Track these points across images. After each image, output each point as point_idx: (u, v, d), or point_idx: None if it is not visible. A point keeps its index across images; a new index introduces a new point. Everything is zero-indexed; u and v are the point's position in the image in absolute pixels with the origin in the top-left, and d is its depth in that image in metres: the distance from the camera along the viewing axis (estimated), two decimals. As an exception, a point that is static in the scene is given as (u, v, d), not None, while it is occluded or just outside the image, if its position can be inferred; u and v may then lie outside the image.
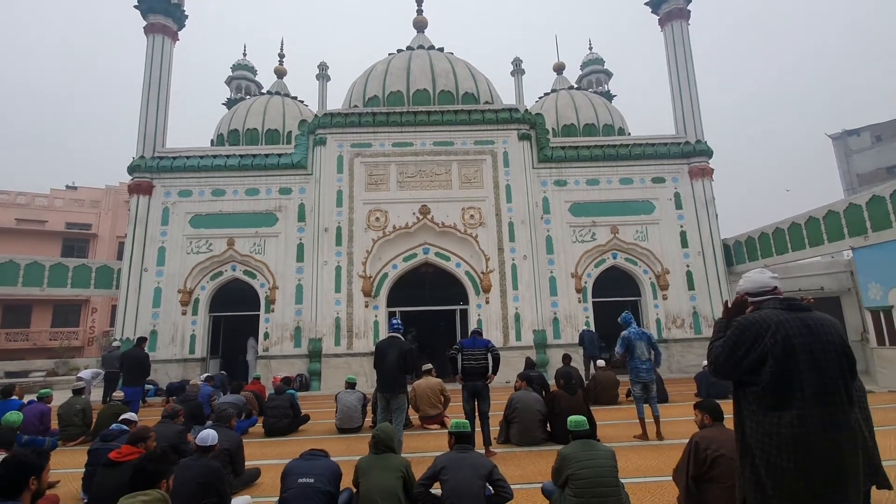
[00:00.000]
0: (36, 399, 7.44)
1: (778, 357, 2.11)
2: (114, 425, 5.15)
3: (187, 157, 14.85)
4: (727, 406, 4.48)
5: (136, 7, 15.76)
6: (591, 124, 17.35)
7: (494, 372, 6.21)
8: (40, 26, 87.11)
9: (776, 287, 2.39)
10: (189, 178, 14.73)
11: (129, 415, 5.41)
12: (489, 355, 6.15)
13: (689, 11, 16.40)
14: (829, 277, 13.79)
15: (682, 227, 14.83)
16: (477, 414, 6.01)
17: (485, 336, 13.73)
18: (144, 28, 15.76)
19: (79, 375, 10.84)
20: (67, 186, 30.83)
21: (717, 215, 14.91)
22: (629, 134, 17.77)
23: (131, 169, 14.68)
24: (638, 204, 14.96)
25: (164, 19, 15.82)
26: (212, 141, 17.82)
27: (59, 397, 9.22)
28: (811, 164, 69.50)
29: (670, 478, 4.11)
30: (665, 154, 15.22)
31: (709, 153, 15.26)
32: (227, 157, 14.95)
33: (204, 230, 14.44)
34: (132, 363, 9.04)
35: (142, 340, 9.99)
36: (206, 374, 10.30)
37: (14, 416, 5.55)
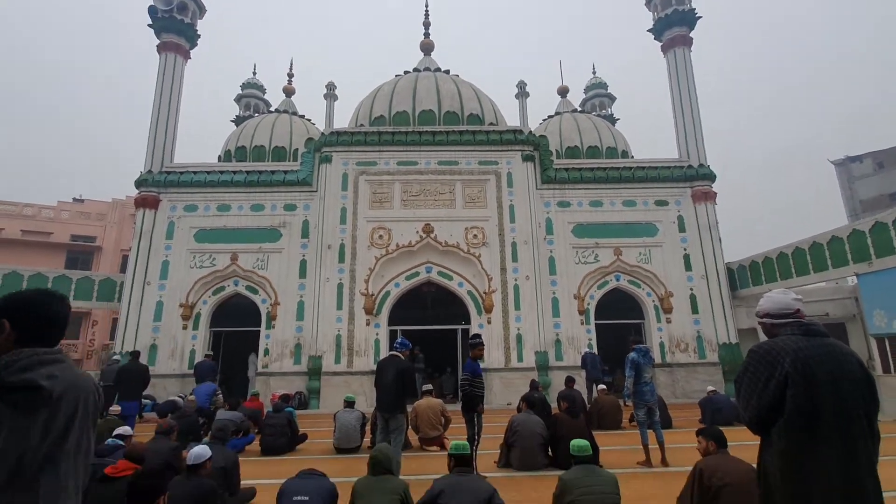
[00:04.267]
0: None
1: (799, 385, 2.00)
2: (108, 440, 5.09)
3: (194, 173, 15.02)
4: (731, 433, 4.41)
5: (149, 26, 16.17)
6: (594, 147, 17.51)
7: (470, 409, 5.71)
8: (47, 39, 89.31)
9: (799, 310, 2.25)
10: (195, 193, 14.87)
11: (123, 429, 5.35)
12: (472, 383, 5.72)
13: (692, 39, 16.68)
14: (835, 304, 13.68)
15: (685, 250, 14.80)
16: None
17: (484, 356, 13.62)
18: (157, 46, 16.13)
19: None
20: (74, 199, 31.12)
21: (720, 239, 14.90)
22: (632, 157, 17.91)
23: (138, 183, 14.84)
24: (641, 226, 14.97)
25: (177, 38, 16.20)
26: (219, 157, 18.04)
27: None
28: (815, 188, 69.73)
29: (674, 506, 4.01)
30: (668, 177, 15.30)
31: (711, 177, 15.33)
32: (234, 172, 15.12)
33: (208, 245, 14.50)
34: (130, 377, 8.98)
35: (136, 354, 9.97)
36: (206, 353, 11.27)
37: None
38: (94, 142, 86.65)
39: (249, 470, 5.85)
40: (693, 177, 15.29)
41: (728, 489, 3.52)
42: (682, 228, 14.96)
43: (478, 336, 6.31)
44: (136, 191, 14.96)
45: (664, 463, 6.24)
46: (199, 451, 4.06)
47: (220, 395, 9.51)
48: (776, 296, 2.34)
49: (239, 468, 4.97)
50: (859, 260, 10.66)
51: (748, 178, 79.31)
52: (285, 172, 15.13)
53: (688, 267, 14.68)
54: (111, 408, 8.07)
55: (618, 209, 15.09)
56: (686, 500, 3.81)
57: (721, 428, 4.27)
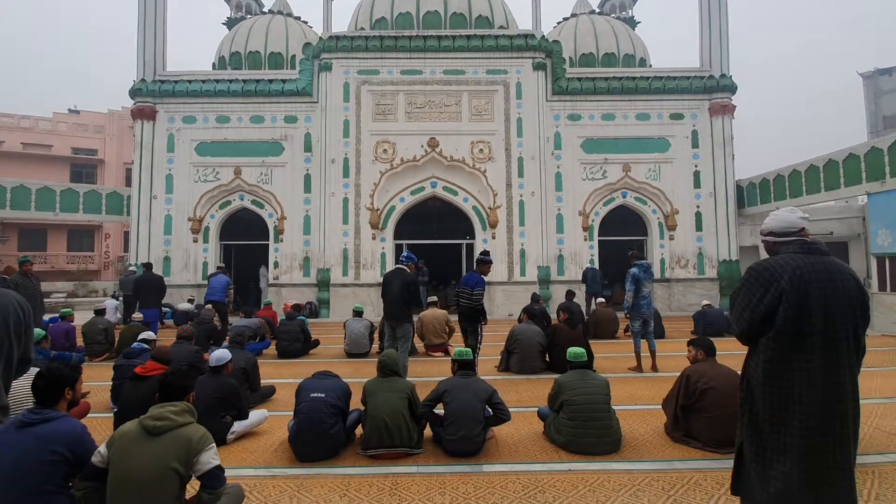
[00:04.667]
0: (59, 318, 7.82)
1: (792, 301, 2.06)
2: (135, 344, 5.46)
3: (189, 82, 14.39)
4: (721, 343, 4.65)
5: None
6: (610, 54, 16.41)
7: (476, 321, 5.89)
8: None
9: (804, 228, 2.25)
10: (192, 104, 14.37)
11: (147, 334, 5.71)
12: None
13: (729, -75, 14.87)
14: (840, 222, 13.65)
15: (696, 166, 14.48)
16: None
17: (493, 266, 13.85)
18: (135, -65, 14.64)
19: (106, 302, 11.36)
20: (70, 110, 30.23)
21: (733, 155, 14.49)
22: (650, 65, 16.85)
23: (133, 93, 14.29)
24: (653, 141, 14.51)
25: (156, -75, 14.63)
26: (213, 64, 17.15)
27: (80, 318, 9.65)
28: (840, 102, 66.14)
29: (660, 406, 4.36)
30: (686, 88, 14.52)
31: (732, 89, 14.52)
32: (230, 81, 14.47)
33: (210, 158, 14.31)
34: (147, 287, 9.38)
35: (149, 266, 10.34)
36: (218, 265, 12.16)
37: (38, 333, 5.83)
38: (83, 45, 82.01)
39: (268, 371, 6.32)
40: (713, 88, 14.49)
41: (712, 391, 3.80)
42: (695, 144, 14.51)
43: (488, 253, 6.46)
44: (132, 101, 14.47)
45: (654, 369, 6.65)
46: (221, 354, 4.37)
47: (233, 289, 10.09)
48: (783, 214, 2.34)
49: (258, 368, 5.37)
50: (873, 179, 10.44)
51: (770, 89, 75.00)
52: (284, 81, 14.46)
53: (696, 184, 14.45)
54: (134, 315, 8.53)
55: (630, 123, 14.53)
56: (671, 401, 4.13)
57: (711, 339, 4.49)
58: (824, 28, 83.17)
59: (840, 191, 11.49)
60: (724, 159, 14.36)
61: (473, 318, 5.97)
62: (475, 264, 6.28)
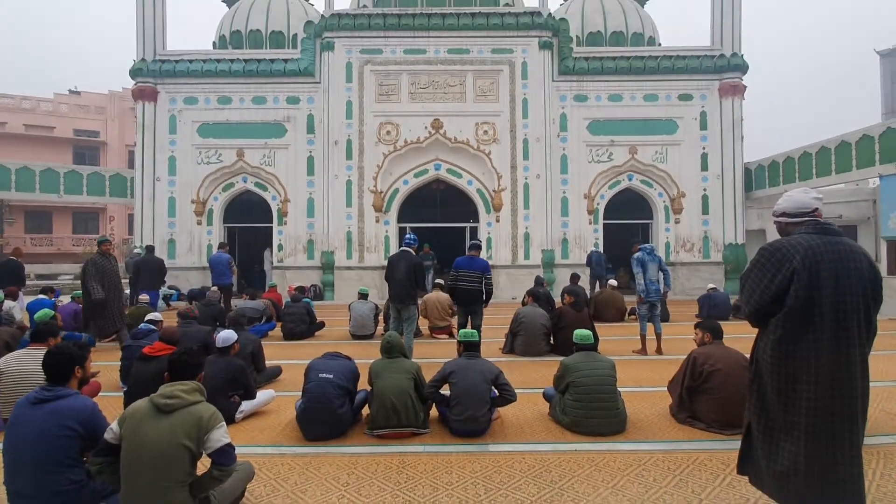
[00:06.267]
0: (71, 299, 7.89)
1: (804, 281, 2.04)
2: (142, 325, 5.49)
3: (190, 61, 14.21)
4: (725, 327, 4.63)
5: None
6: (619, 32, 16.04)
7: (485, 302, 6.20)
8: None
9: (817, 209, 2.23)
10: (194, 84, 14.21)
11: (154, 315, 5.74)
12: (483, 280, 6.10)
13: None
14: (850, 206, 13.49)
15: (704, 148, 14.27)
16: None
17: (491, 254, 13.85)
18: None
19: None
20: (70, 91, 30.04)
21: (742, 137, 14.27)
22: (659, 44, 16.50)
23: (133, 73, 14.14)
24: (660, 123, 14.28)
25: None
26: (214, 43, 16.90)
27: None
28: (856, 83, 64.77)
29: (665, 388, 4.36)
30: (696, 68, 14.21)
31: (744, 68, 14.20)
32: (231, 61, 14.27)
33: (212, 140, 14.22)
34: (150, 268, 9.43)
35: (151, 248, 10.40)
36: (220, 242, 12.16)
37: (47, 313, 5.85)
38: (79, 24, 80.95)
39: (274, 352, 6.36)
40: (723, 68, 14.18)
41: (718, 373, 3.79)
42: (703, 126, 14.27)
43: (479, 239, 6.54)
44: (132, 82, 14.33)
45: (659, 352, 6.66)
46: (227, 335, 4.40)
47: (234, 265, 10.43)
48: (796, 195, 2.31)
49: (262, 350, 5.40)
50: (887, 160, 10.26)
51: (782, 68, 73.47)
52: (285, 61, 14.25)
53: (704, 167, 14.26)
54: (140, 297, 8.58)
55: (638, 104, 14.28)
56: (677, 383, 4.13)
57: (717, 322, 4.46)
58: (842, 4, 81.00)
59: (852, 173, 11.31)
60: (734, 142, 14.14)
61: (480, 300, 6.09)
62: (469, 249, 6.45)
